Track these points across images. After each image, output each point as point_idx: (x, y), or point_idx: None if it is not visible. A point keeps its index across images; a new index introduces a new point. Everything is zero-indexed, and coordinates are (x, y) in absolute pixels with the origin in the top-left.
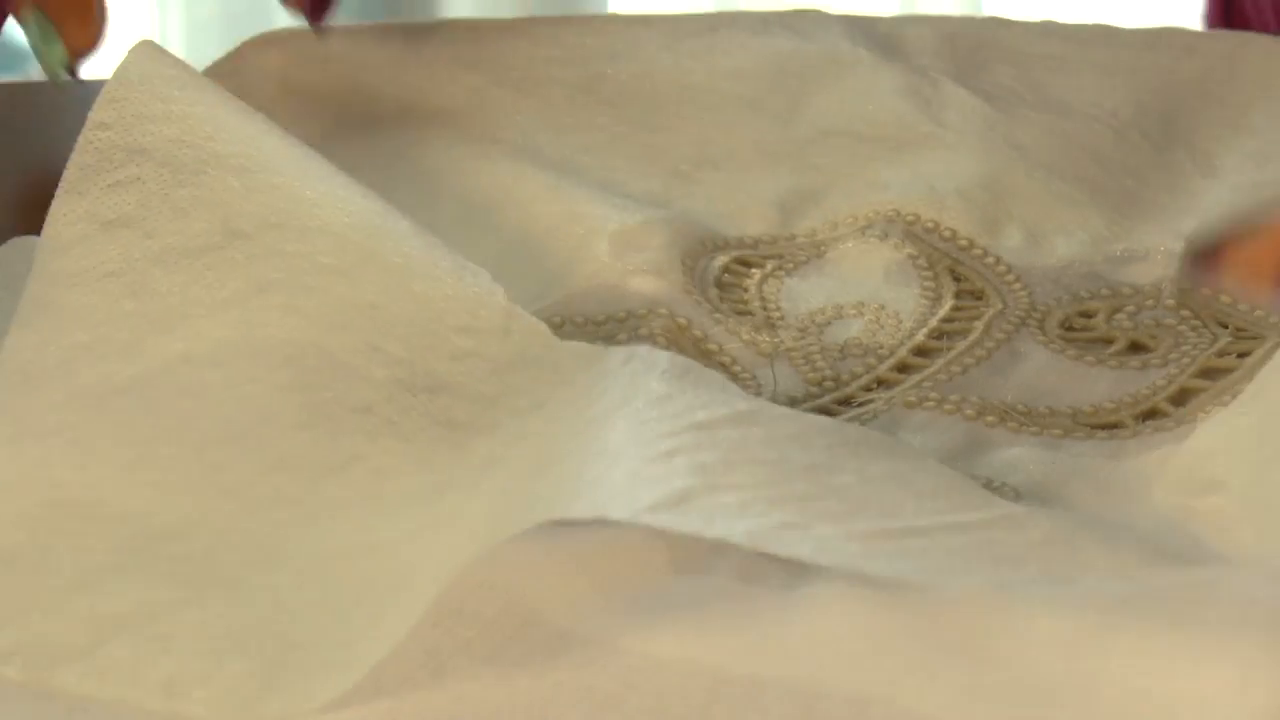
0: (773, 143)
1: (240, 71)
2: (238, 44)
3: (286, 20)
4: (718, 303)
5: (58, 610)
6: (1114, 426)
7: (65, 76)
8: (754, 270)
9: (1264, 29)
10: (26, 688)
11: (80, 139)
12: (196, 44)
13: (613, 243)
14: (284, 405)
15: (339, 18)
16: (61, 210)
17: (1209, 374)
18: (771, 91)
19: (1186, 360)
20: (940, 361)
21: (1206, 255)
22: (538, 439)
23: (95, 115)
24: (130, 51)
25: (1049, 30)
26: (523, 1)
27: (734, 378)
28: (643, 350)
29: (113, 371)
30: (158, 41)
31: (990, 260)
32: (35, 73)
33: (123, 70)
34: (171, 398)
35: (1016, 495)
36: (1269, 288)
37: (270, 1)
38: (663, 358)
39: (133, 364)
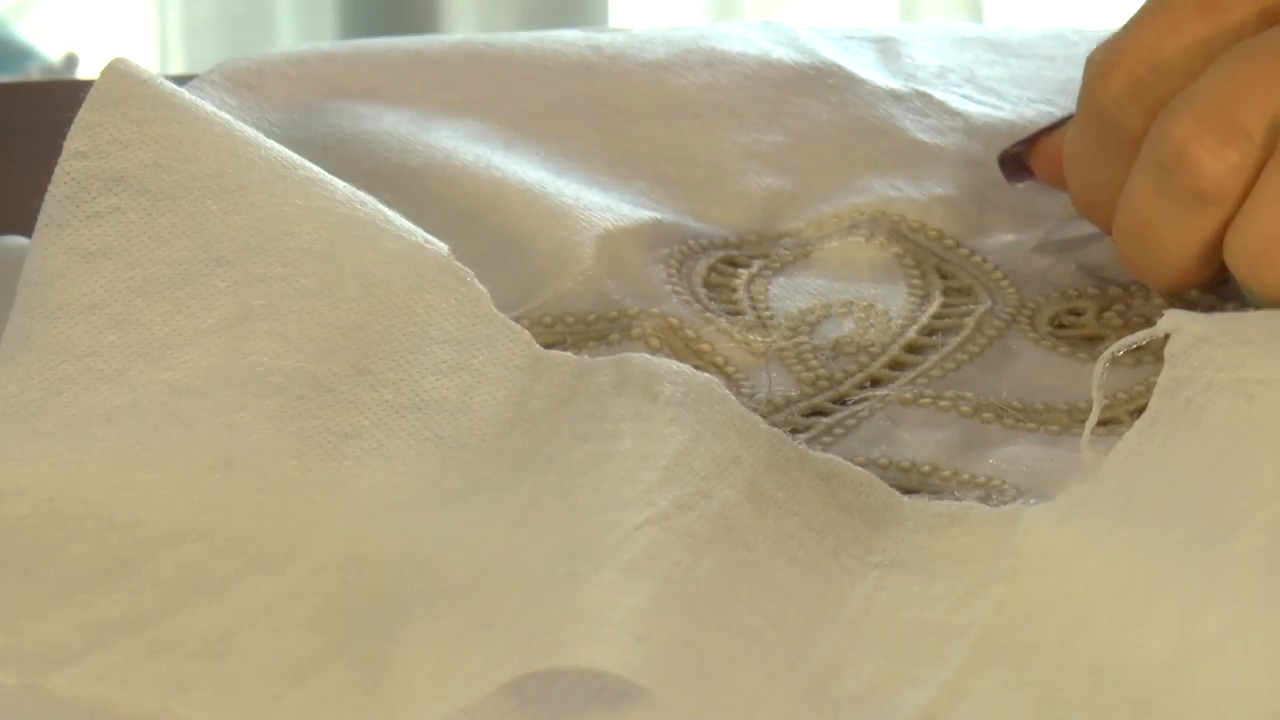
0: (753, 148)
1: (219, 89)
2: (229, 52)
3: (285, 24)
4: (707, 303)
5: (49, 615)
6: (1110, 423)
7: None
8: (741, 270)
9: None
10: (33, 698)
11: (57, 170)
12: (196, 44)
13: (598, 244)
14: (273, 434)
15: (324, 36)
16: (42, 243)
17: None
18: (749, 100)
19: None
20: (934, 358)
21: (1016, 156)
22: (530, 478)
23: (71, 144)
24: (102, 73)
25: (1030, 37)
26: (523, 11)
27: (728, 379)
28: (636, 369)
29: (99, 402)
30: (157, 41)
31: (977, 259)
32: (35, 73)
33: (96, 95)
34: (159, 427)
35: (1017, 493)
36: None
37: (269, 2)
38: (660, 380)
39: (119, 394)
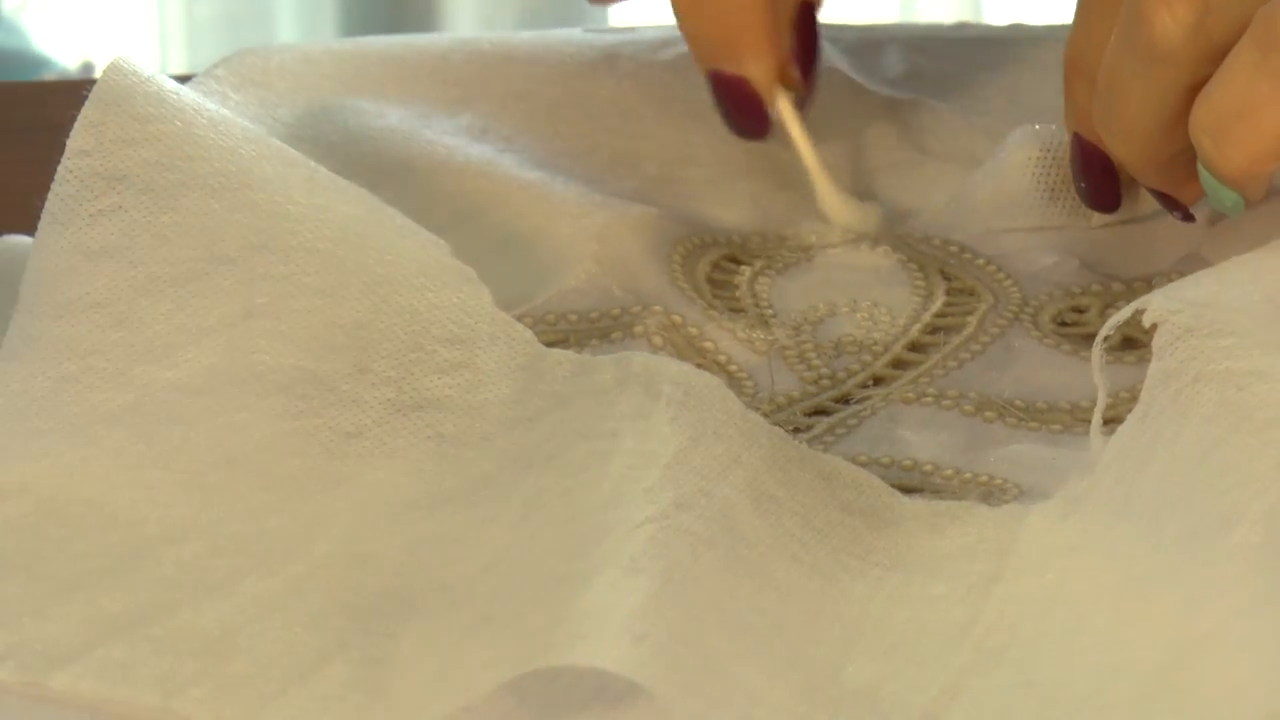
0: (754, 148)
1: (223, 85)
2: (230, 51)
3: (285, 23)
4: (710, 300)
5: (50, 613)
6: (1113, 421)
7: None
8: (744, 268)
9: None
10: (33, 696)
11: (60, 168)
12: (196, 44)
13: (601, 241)
14: (275, 432)
15: (324, 35)
16: (45, 242)
17: None
18: None
19: None
20: (936, 357)
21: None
22: (531, 476)
23: (74, 142)
24: (105, 72)
25: (1025, 36)
26: (523, 10)
27: (731, 377)
28: (638, 367)
29: (101, 401)
30: (158, 42)
31: (981, 261)
32: (35, 73)
33: (99, 93)
34: (161, 426)
35: (1019, 492)
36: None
37: (270, 2)
38: (661, 379)
39: (121, 393)
